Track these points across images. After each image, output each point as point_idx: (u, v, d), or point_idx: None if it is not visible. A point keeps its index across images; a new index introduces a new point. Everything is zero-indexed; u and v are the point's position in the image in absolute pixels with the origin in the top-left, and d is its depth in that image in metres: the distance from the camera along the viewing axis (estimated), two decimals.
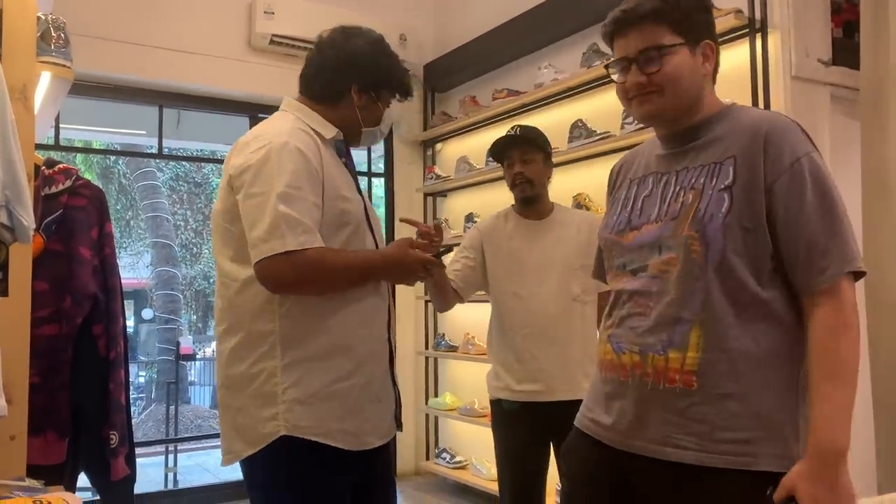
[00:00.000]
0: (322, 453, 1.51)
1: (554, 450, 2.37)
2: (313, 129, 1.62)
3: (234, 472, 6.17)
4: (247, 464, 1.56)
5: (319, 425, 1.51)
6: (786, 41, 2.76)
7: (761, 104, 2.73)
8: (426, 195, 4.71)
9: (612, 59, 1.40)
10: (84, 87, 3.76)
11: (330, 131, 1.65)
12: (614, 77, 1.40)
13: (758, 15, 2.78)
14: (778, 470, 1.21)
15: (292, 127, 1.59)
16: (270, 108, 4.72)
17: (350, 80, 1.65)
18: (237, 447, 1.55)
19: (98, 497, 2.13)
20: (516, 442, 2.40)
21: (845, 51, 2.97)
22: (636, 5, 1.35)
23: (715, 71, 1.40)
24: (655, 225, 1.34)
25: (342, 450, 1.53)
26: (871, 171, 2.68)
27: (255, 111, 4.42)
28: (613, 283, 1.43)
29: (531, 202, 2.46)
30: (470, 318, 4.39)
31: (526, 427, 2.35)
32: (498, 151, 2.47)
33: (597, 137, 3.36)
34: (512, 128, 2.50)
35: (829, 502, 1.15)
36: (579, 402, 1.50)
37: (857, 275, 1.25)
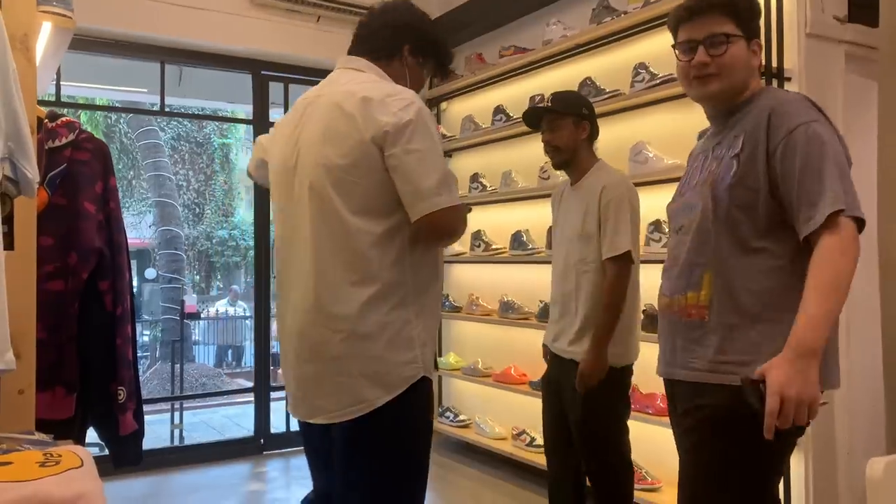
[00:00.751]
0: (431, 390, 1.69)
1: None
2: None
3: (239, 430, 6.21)
4: (377, 413, 1.57)
5: (432, 363, 1.67)
6: None
7: (774, 63, 2.67)
8: None
9: (679, 41, 1.60)
10: (84, 42, 3.70)
11: None
12: (679, 57, 1.60)
13: None
14: (753, 379, 1.39)
15: (396, 84, 1.69)
16: (274, 65, 4.65)
17: (406, 39, 1.76)
18: (372, 395, 1.57)
19: (107, 451, 2.14)
20: None
21: (862, 7, 2.91)
22: None
23: (760, 67, 1.62)
24: (693, 190, 1.60)
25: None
26: (889, 132, 2.63)
27: (259, 67, 4.36)
28: (669, 243, 1.69)
29: (565, 167, 2.57)
30: (474, 279, 4.39)
31: None
32: (527, 122, 2.62)
33: (606, 96, 3.31)
34: (544, 97, 2.58)
35: (796, 384, 1.31)
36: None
37: (859, 222, 1.43)
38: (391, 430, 1.59)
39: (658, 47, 3.18)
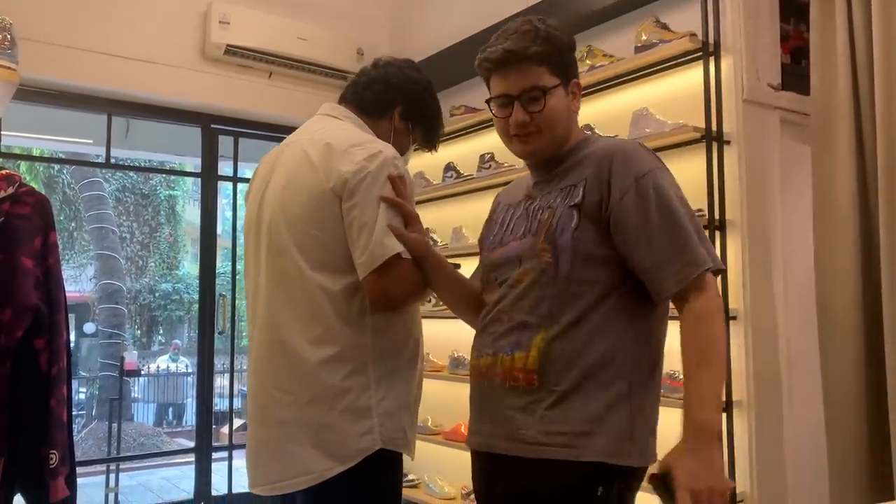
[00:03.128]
0: (398, 463, 1.58)
1: None
2: None
3: (178, 493, 5.99)
4: (328, 485, 1.47)
5: (404, 436, 1.57)
6: (738, 65, 2.83)
7: (714, 126, 2.78)
8: None
9: (492, 95, 1.48)
10: (29, 93, 3.63)
11: None
12: (495, 112, 1.49)
13: (711, 38, 2.84)
14: (608, 461, 1.32)
15: (374, 137, 1.62)
16: (224, 119, 4.63)
17: (398, 100, 1.70)
18: (320, 466, 1.47)
19: None
20: None
21: (794, 76, 3.06)
22: (522, 46, 1.41)
23: (578, 103, 1.52)
24: (519, 241, 1.46)
25: (402, 457, 1.60)
26: (822, 193, 2.75)
27: (209, 121, 4.34)
28: (486, 296, 1.54)
29: None
30: (425, 335, 4.35)
31: None
32: None
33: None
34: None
35: (703, 475, 1.23)
36: None
37: (717, 272, 1.37)
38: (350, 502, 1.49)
39: (603, 109, 3.27)
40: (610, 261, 1.37)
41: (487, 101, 1.52)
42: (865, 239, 2.65)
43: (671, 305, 1.42)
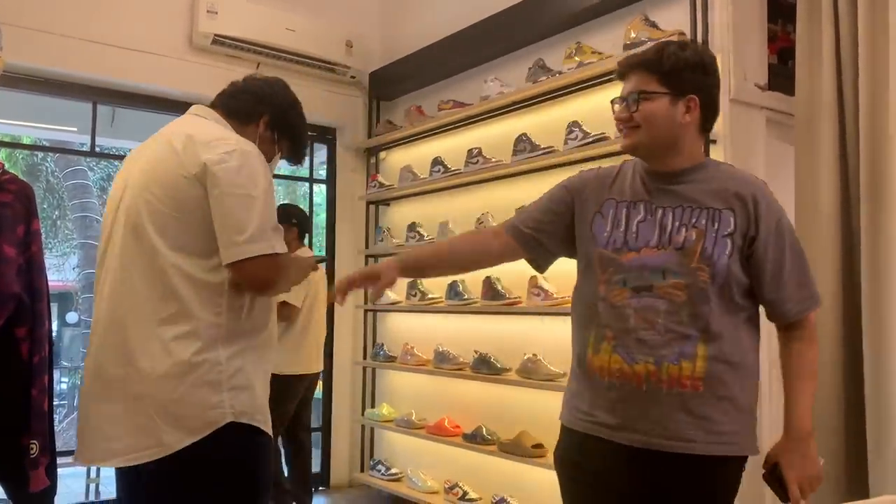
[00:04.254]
0: (258, 441, 1.62)
1: None
2: None
3: None
4: (177, 458, 1.52)
5: (257, 412, 1.62)
6: (725, 64, 2.85)
7: None
8: (369, 203, 4.67)
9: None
10: (13, 79, 3.59)
11: None
12: (616, 109, 1.66)
13: (700, 38, 2.85)
14: (752, 454, 1.60)
15: (237, 134, 1.70)
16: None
17: (266, 109, 1.79)
18: (171, 438, 1.52)
19: None
20: None
21: (780, 77, 3.09)
22: (634, 56, 1.66)
23: (704, 124, 1.64)
24: (657, 251, 1.57)
25: (268, 435, 1.65)
26: (804, 192, 2.78)
27: None
28: (611, 296, 1.60)
29: None
30: (409, 329, 4.37)
31: None
32: None
33: (540, 152, 3.39)
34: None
35: (804, 466, 1.57)
36: None
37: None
38: (197, 478, 1.54)
39: (591, 106, 3.29)
40: (750, 287, 1.59)
41: (612, 101, 1.69)
42: (846, 238, 2.67)
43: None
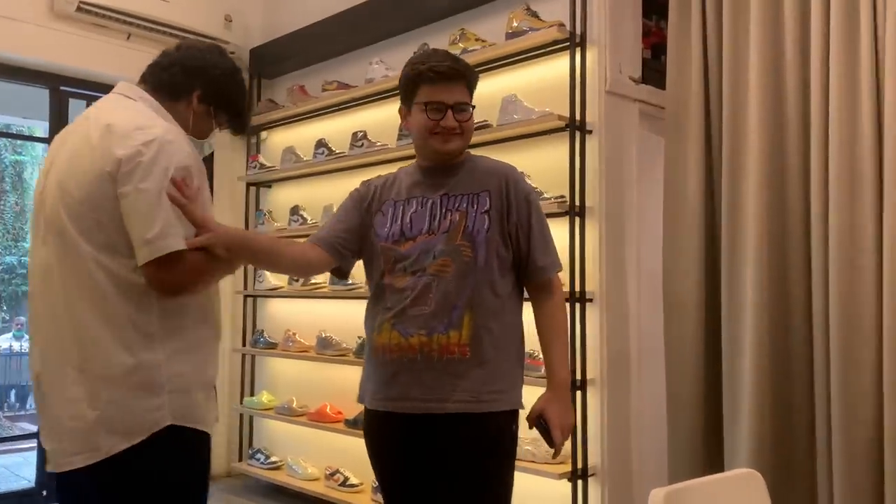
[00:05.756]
0: (199, 443, 1.59)
1: None
2: None
3: (18, 481, 5.55)
4: (115, 462, 1.47)
5: (199, 412, 1.58)
6: (602, 57, 2.94)
7: (578, 115, 2.88)
8: (249, 185, 4.52)
9: (427, 100, 1.77)
10: None
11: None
12: (429, 115, 1.77)
13: (578, 30, 2.93)
14: (516, 408, 1.79)
15: (164, 120, 1.61)
16: (75, 81, 4.30)
17: (197, 83, 1.69)
18: (107, 442, 1.46)
19: None
20: None
21: (653, 71, 3.22)
22: (461, 65, 1.82)
23: None
24: (429, 236, 1.77)
25: (208, 435, 1.62)
26: (672, 183, 2.92)
27: (58, 83, 4.02)
28: (394, 281, 1.78)
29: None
30: (292, 315, 4.28)
31: None
32: None
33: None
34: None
35: (564, 414, 1.79)
36: None
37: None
38: (135, 484, 1.49)
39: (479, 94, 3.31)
40: (505, 254, 1.77)
41: (410, 104, 1.82)
42: (710, 227, 2.84)
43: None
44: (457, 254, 1.73)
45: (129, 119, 1.55)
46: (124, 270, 1.49)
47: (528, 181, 1.89)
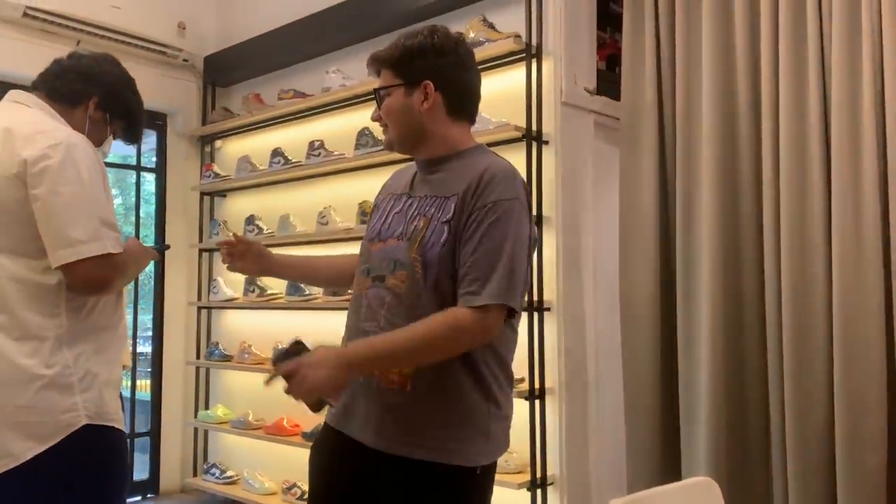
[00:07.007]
0: (115, 441, 1.58)
1: None
2: None
3: None
4: (30, 468, 1.45)
5: (111, 411, 1.57)
6: (557, 68, 2.97)
7: (534, 125, 2.90)
8: (203, 194, 4.45)
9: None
10: None
11: None
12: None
13: (534, 41, 2.95)
14: (465, 464, 1.42)
15: (65, 125, 1.61)
16: (22, 89, 4.14)
17: (95, 90, 1.70)
18: (20, 448, 1.45)
19: None
20: None
21: (608, 82, 3.26)
22: (381, 51, 1.56)
23: (453, 107, 1.54)
24: (398, 241, 1.50)
25: (124, 433, 1.62)
26: (627, 192, 2.96)
27: (4, 90, 3.89)
28: (357, 285, 1.57)
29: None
30: (247, 327, 4.21)
31: None
32: None
33: (381, 147, 3.37)
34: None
35: (312, 369, 1.34)
36: None
37: (511, 311, 1.42)
38: (51, 487, 1.48)
39: None
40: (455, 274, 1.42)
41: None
42: (664, 236, 2.88)
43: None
44: (411, 269, 1.44)
45: (29, 123, 1.56)
46: (30, 273, 1.50)
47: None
